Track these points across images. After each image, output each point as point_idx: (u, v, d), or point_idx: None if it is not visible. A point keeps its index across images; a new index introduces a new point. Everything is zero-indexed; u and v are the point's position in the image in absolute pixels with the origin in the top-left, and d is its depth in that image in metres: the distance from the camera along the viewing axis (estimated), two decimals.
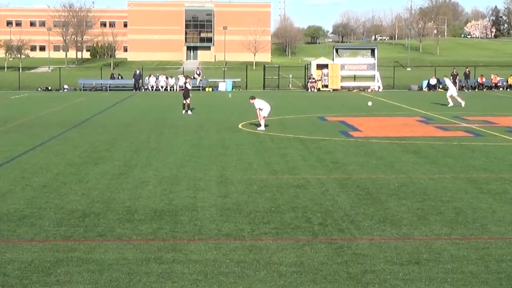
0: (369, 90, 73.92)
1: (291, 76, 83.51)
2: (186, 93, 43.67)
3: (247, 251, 12.40)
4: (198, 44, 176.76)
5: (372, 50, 78.61)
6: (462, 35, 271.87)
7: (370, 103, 50.70)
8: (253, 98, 34.42)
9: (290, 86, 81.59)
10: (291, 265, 11.56)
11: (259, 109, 33.57)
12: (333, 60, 76.48)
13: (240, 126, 34.97)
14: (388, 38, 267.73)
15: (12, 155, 24.57)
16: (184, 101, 43.52)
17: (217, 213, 15.37)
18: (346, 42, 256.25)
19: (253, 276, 11.00)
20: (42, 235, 13.52)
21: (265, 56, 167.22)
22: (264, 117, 33.55)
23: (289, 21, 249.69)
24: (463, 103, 48.61)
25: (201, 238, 13.26)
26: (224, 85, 77.35)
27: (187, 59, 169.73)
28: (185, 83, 47.22)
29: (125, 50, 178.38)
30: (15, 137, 30.28)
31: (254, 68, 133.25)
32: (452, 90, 50.16)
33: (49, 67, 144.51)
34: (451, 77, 76.78)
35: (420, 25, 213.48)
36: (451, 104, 48.98)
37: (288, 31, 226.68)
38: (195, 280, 10.79)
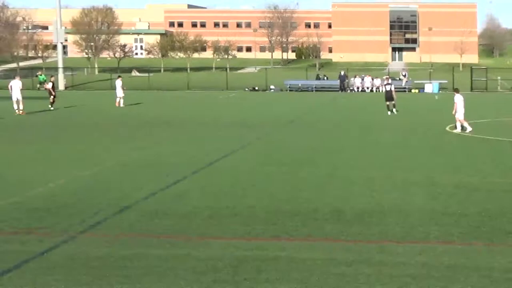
0: None
1: (499, 78, 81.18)
2: (388, 94, 43.69)
3: (458, 255, 12.13)
4: (403, 45, 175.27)
5: None
6: None
7: None
8: (457, 91, 34.77)
9: (499, 88, 79.36)
10: (505, 272, 11.21)
11: (456, 103, 33.28)
12: None
13: (447, 128, 34.34)
14: None
15: (224, 153, 25.27)
16: (388, 103, 43.40)
17: (425, 216, 15.13)
18: None
19: (464, 282, 10.74)
20: (252, 233, 13.77)
21: (472, 58, 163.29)
22: (461, 119, 33.03)
23: (496, 22, 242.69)
24: None
25: (409, 241, 13.10)
26: (431, 87, 76.31)
27: (392, 60, 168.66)
28: (387, 84, 47.16)
29: (330, 51, 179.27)
30: (226, 135, 31.13)
31: (460, 69, 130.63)
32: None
33: (255, 68, 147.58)
34: None
35: None
36: None
37: (495, 31, 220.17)
38: (404, 283, 10.66)
